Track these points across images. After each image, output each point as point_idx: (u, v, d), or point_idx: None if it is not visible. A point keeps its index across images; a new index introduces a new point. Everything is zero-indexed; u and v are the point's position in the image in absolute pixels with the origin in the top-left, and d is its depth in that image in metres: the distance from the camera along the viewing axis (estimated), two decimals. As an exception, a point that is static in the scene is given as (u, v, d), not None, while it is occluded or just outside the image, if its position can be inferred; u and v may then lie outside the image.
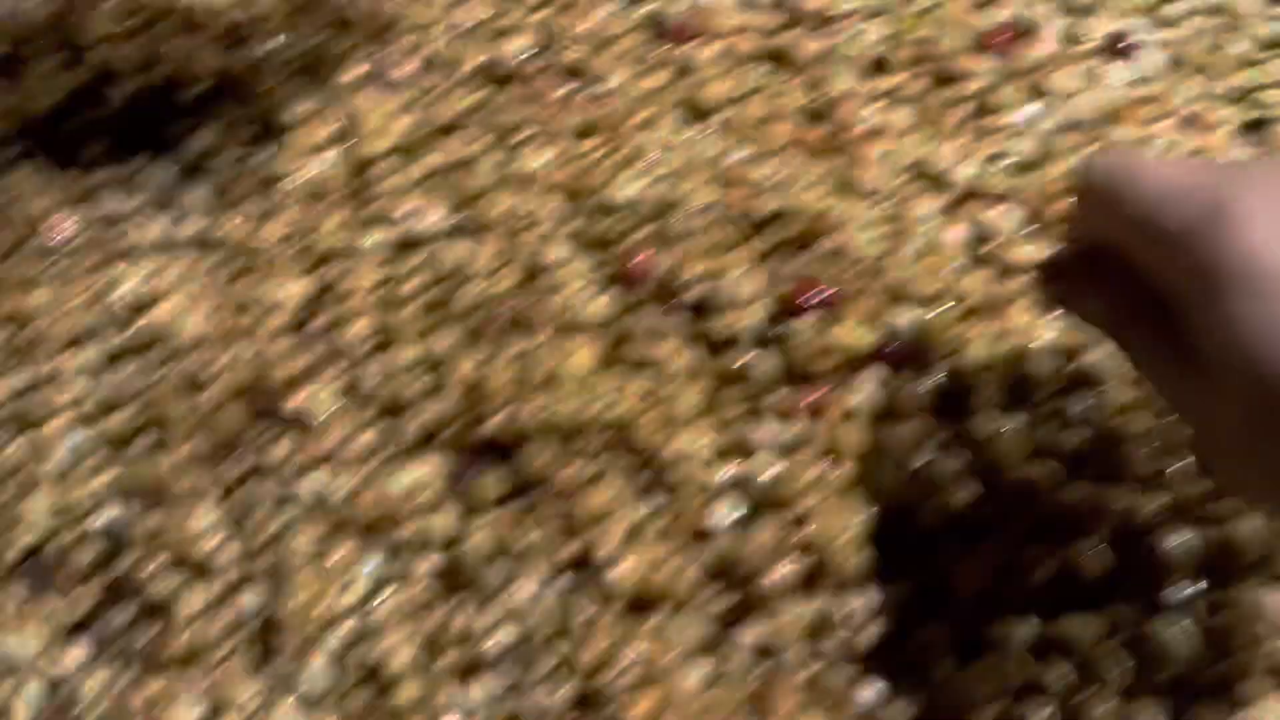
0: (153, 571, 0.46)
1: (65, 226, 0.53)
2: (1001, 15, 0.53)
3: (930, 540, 0.41)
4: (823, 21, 0.54)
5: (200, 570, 0.46)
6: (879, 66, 0.52)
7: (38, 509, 0.49)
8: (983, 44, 0.52)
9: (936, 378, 0.43)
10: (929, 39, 0.52)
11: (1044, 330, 0.43)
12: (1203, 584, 0.39)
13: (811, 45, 0.53)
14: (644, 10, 0.55)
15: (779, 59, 0.53)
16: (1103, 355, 0.42)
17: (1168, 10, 0.53)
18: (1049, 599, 0.40)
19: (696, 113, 0.52)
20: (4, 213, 0.53)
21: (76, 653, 0.47)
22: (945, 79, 0.51)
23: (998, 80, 0.51)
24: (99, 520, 0.49)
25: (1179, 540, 0.40)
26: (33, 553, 0.50)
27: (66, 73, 0.53)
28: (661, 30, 0.54)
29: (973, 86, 0.50)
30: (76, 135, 0.54)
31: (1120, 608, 0.39)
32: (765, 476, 0.42)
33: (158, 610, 0.47)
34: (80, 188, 0.54)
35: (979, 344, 0.43)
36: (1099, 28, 0.52)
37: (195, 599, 0.45)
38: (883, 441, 0.42)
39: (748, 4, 0.56)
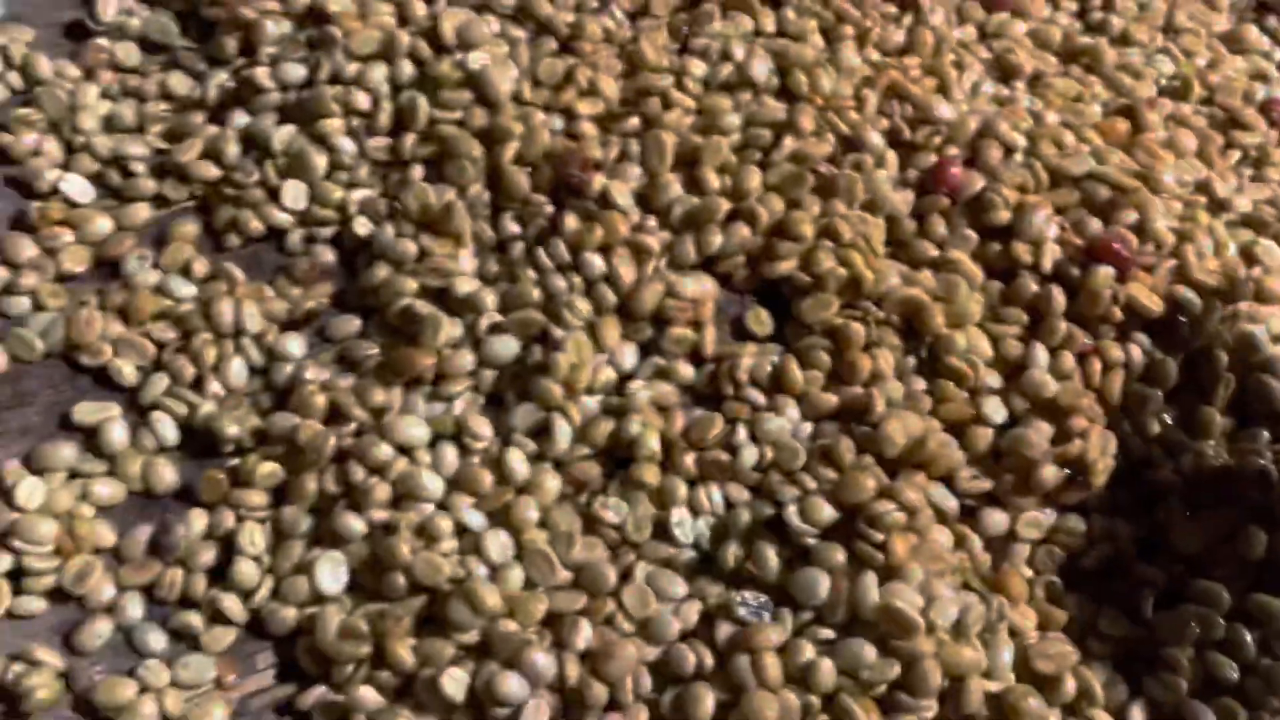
0: (407, 293, 0.46)
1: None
2: (1276, 90, 0.58)
3: (1161, 495, 0.44)
4: (1123, 41, 0.59)
5: (457, 306, 0.46)
6: (1172, 92, 0.56)
7: (293, 194, 0.49)
8: (1261, 109, 0.57)
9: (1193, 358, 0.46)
10: (1216, 85, 0.57)
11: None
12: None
13: (1113, 54, 0.57)
14: (973, -28, 0.58)
15: (1081, 55, 0.57)
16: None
17: None
18: (1253, 576, 0.43)
19: (1006, 73, 0.55)
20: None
21: (298, 341, 0.47)
22: (1227, 124, 0.55)
23: (1269, 142, 0.56)
24: (356, 228, 0.48)
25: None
26: (274, 235, 0.49)
27: None
28: (985, -3, 0.58)
29: (1249, 139, 0.55)
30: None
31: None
32: (1040, 391, 0.44)
33: (397, 330, 0.46)
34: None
35: (1235, 342, 0.47)
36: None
37: (447, 329, 0.45)
38: (1139, 397, 0.45)
39: (1054, 4, 0.60)
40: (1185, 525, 0.43)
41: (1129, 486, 0.44)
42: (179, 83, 0.51)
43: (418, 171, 0.49)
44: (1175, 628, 0.41)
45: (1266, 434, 0.45)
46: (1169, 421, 0.45)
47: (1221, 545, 0.43)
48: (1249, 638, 0.41)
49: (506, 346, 0.45)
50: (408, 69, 0.50)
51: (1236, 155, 0.54)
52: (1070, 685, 0.39)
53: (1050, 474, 0.42)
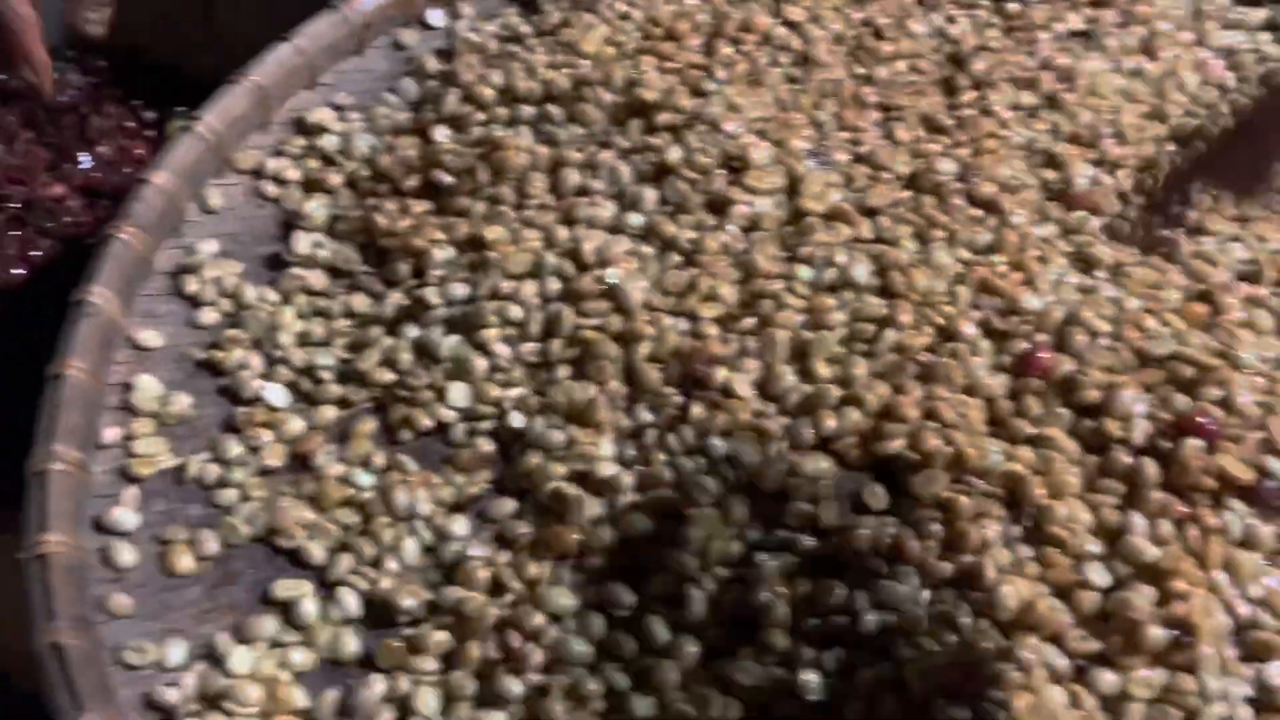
0: (556, 476, 0.52)
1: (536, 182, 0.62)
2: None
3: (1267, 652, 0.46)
4: (1196, 231, 0.64)
5: (598, 486, 0.52)
6: (1247, 276, 0.61)
7: (457, 394, 0.56)
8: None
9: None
10: (1288, 270, 0.61)
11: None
12: None
13: (1188, 245, 0.62)
14: (1047, 175, 0.65)
15: (1158, 246, 0.62)
16: None
17: None
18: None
19: (1087, 264, 0.60)
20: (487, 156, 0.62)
21: (462, 523, 0.53)
22: (1304, 303, 0.59)
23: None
24: (511, 421, 0.55)
25: None
26: (440, 430, 0.56)
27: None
28: (1060, 194, 0.64)
29: (1328, 317, 0.59)
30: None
31: None
32: (1140, 555, 0.48)
33: (547, 510, 0.52)
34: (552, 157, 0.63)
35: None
36: None
37: (590, 508, 0.51)
38: (1237, 560, 0.48)
39: (1124, 199, 0.66)
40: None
41: (1236, 646, 0.46)
42: (360, 302, 0.60)
43: (564, 371, 0.56)
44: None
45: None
46: (1268, 584, 0.47)
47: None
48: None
49: (640, 522, 0.50)
50: (554, 284, 0.57)
51: (1315, 332, 0.57)
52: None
53: (1156, 635, 0.44)
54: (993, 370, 0.54)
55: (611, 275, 0.57)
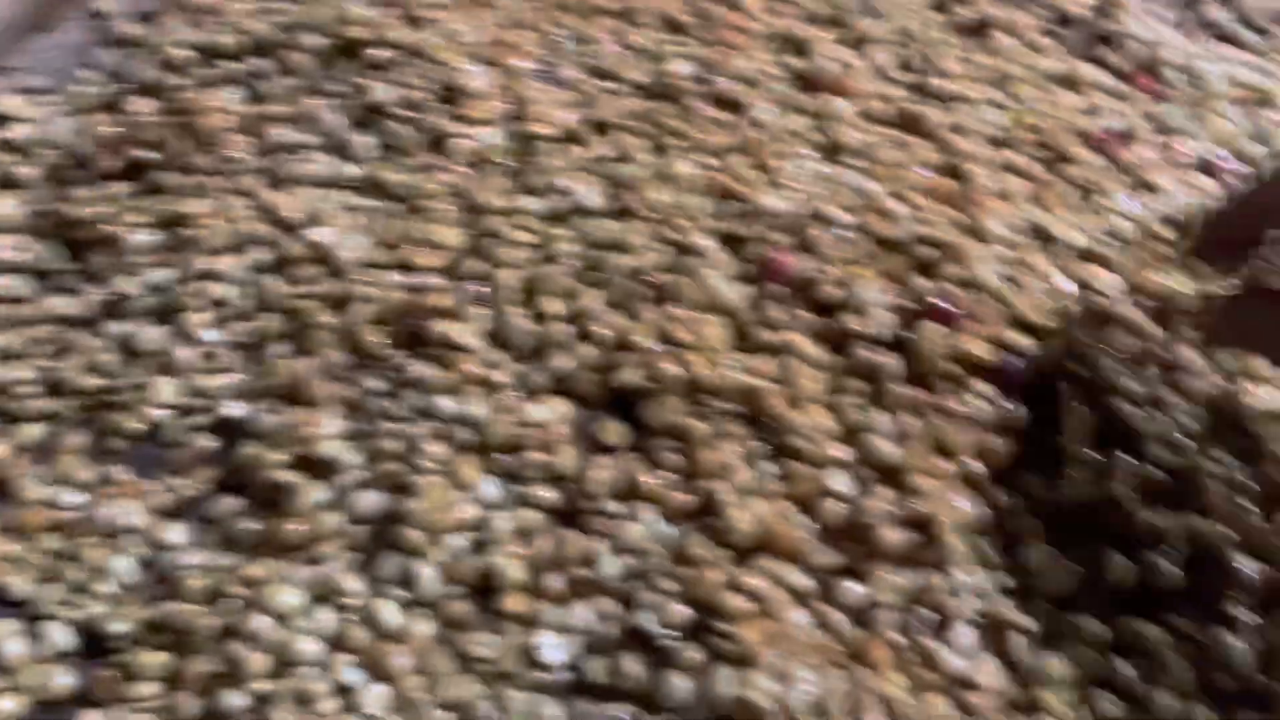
0: (272, 465, 0.48)
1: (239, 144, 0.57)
2: (1103, 121, 0.60)
3: (1020, 537, 0.45)
4: (948, 99, 0.61)
5: (322, 469, 0.48)
6: (999, 142, 0.58)
7: (166, 391, 0.51)
8: (1089, 142, 0.58)
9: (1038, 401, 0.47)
10: (1043, 129, 0.59)
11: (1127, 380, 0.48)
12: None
13: (938, 115, 0.59)
14: (794, 63, 0.61)
15: (910, 123, 0.60)
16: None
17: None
18: (1125, 604, 0.43)
19: (834, 151, 0.57)
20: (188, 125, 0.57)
21: (179, 530, 0.49)
22: (1058, 161, 0.57)
23: (1102, 172, 0.57)
24: (225, 411, 0.51)
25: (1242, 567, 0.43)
26: (153, 432, 0.52)
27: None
28: (807, 83, 0.61)
29: (1082, 173, 0.57)
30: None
31: (1186, 620, 0.42)
32: (882, 457, 0.45)
33: (270, 502, 0.48)
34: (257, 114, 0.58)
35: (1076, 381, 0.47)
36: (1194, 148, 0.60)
37: (313, 494, 0.47)
38: (986, 446, 0.46)
39: (882, 75, 0.63)
40: (1050, 565, 0.43)
41: (989, 535, 0.44)
42: (60, 304, 0.54)
43: (279, 348, 0.51)
44: (1052, 671, 0.41)
45: (1123, 459, 0.46)
46: (1023, 464, 0.45)
47: (1089, 580, 0.43)
48: (1130, 670, 0.41)
49: (369, 501, 0.47)
50: (261, 255, 0.53)
51: (1071, 191, 0.55)
52: (941, 754, 0.39)
53: (894, 537, 0.42)
54: (733, 282, 0.51)
55: (320, 235, 0.52)
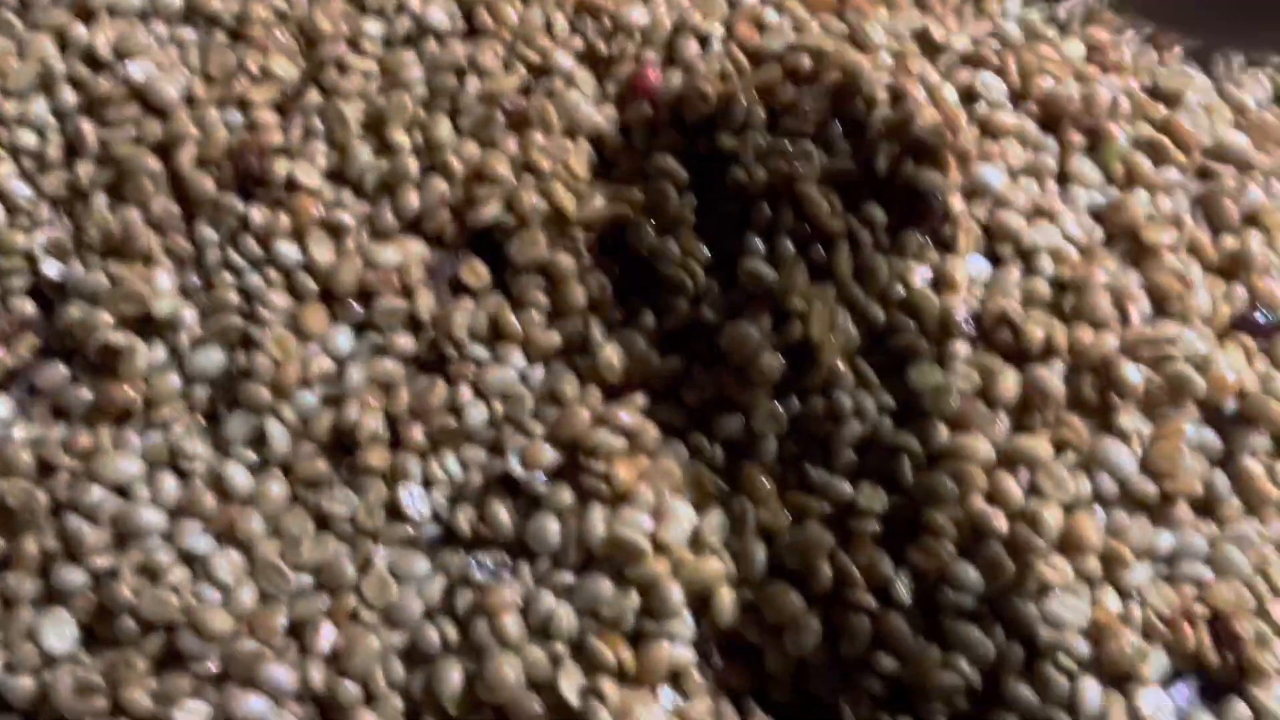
0: (101, 326, 0.44)
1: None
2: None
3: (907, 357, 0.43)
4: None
5: (156, 327, 0.44)
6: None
7: (-22, 253, 0.46)
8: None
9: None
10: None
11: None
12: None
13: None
14: None
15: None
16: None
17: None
18: (1013, 421, 0.42)
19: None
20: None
21: (2, 403, 0.45)
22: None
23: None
24: (44, 272, 0.46)
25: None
26: (-34, 300, 0.47)
27: None
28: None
29: (970, -24, 0.53)
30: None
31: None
32: (755, 277, 0.43)
33: (101, 367, 0.44)
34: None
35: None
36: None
37: (148, 355, 0.43)
38: (868, 266, 0.44)
39: None
40: (934, 385, 0.42)
41: (868, 355, 0.42)
42: None
43: (99, 199, 0.46)
44: (935, 490, 0.40)
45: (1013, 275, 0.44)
46: (902, 282, 0.43)
47: (973, 397, 0.41)
48: (1014, 484, 0.40)
49: (210, 359, 0.43)
50: (70, 95, 0.47)
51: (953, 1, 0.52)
52: (826, 572, 0.38)
53: (771, 362, 0.40)
54: (597, 104, 0.47)
55: (137, 71, 0.47)
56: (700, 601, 0.37)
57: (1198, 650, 0.39)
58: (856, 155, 0.44)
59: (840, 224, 0.43)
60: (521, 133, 0.46)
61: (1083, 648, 0.38)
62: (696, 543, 0.38)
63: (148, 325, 0.44)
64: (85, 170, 0.46)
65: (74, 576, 0.39)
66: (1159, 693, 0.39)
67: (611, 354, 0.40)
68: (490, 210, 0.44)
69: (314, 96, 0.47)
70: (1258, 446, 0.41)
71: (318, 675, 0.37)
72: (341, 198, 0.46)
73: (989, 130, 0.47)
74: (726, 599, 0.37)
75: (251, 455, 0.41)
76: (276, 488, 0.41)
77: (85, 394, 0.43)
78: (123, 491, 0.41)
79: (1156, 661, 0.39)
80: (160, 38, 0.49)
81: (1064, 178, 0.48)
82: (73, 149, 0.47)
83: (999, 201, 0.46)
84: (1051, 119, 0.47)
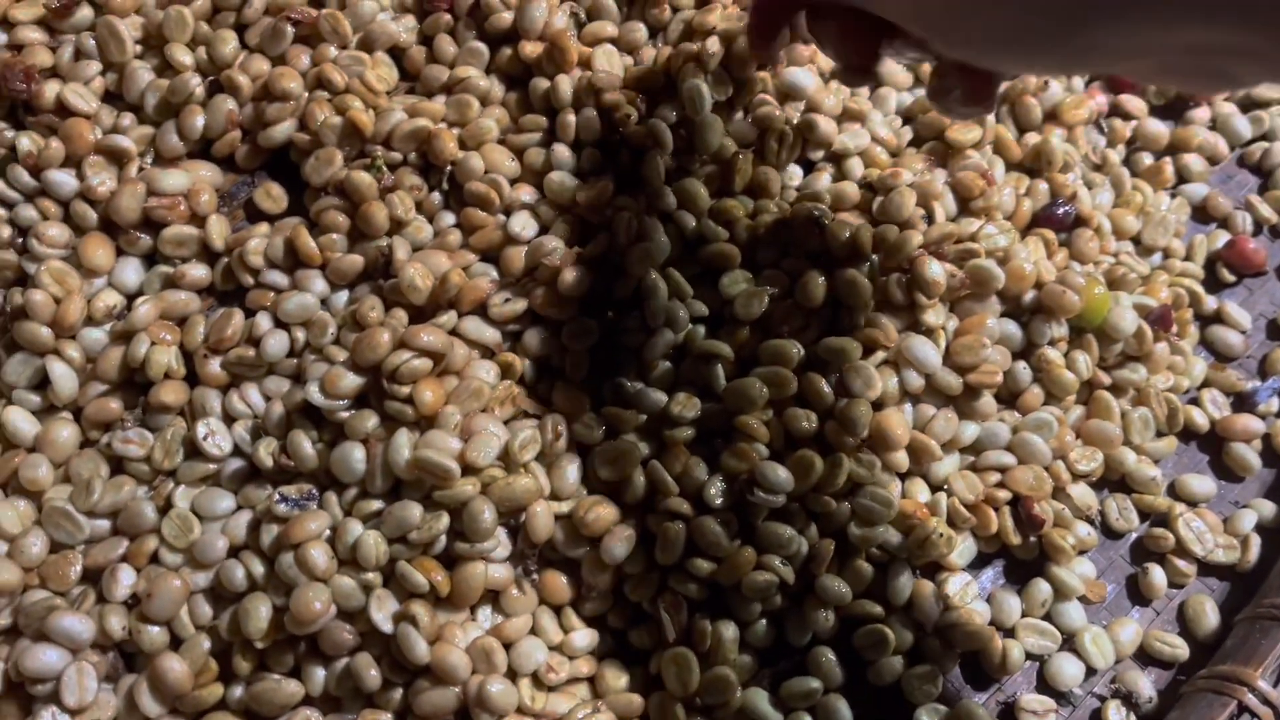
0: None
1: None
2: None
3: (719, 267, 0.43)
4: None
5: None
6: None
7: None
8: None
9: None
10: None
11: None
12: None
13: None
14: None
15: None
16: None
17: None
18: (821, 324, 0.43)
19: None
20: None
21: None
22: None
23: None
24: None
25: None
26: None
27: None
28: None
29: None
30: None
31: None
32: (558, 191, 0.42)
33: None
34: None
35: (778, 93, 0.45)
36: None
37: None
38: (681, 177, 0.44)
39: None
40: (744, 291, 0.42)
41: (683, 265, 0.42)
42: None
43: None
44: (746, 394, 0.40)
45: (823, 179, 0.45)
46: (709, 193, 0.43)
47: (783, 301, 0.42)
48: (824, 385, 0.41)
49: (-18, 294, 0.40)
50: None
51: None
52: (639, 482, 0.38)
53: (580, 276, 0.39)
54: (396, 14, 0.45)
55: (-120, -11, 0.43)
56: (515, 519, 0.37)
57: (1001, 534, 0.41)
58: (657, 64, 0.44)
59: (645, 132, 0.42)
60: (315, 47, 0.44)
61: (893, 538, 0.40)
62: (508, 461, 0.37)
63: (-89, 266, 0.41)
64: None
65: None
66: (965, 577, 0.40)
67: (418, 273, 0.39)
68: (284, 127, 0.42)
69: (85, 12, 0.44)
70: (1056, 335, 0.43)
71: (117, 623, 0.36)
72: (120, 122, 0.43)
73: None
74: (542, 515, 0.37)
75: (35, 399, 0.39)
76: (65, 432, 0.39)
77: None
78: (-107, 444, 0.39)
79: (964, 548, 0.41)
80: (-93, -49, 0.45)
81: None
82: None
83: (811, 106, 0.46)
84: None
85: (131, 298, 0.41)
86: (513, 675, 0.36)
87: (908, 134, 0.47)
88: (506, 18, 0.44)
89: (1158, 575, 0.42)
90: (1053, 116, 0.48)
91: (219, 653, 0.37)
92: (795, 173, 0.45)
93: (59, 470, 0.39)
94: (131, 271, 0.41)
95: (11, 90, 0.42)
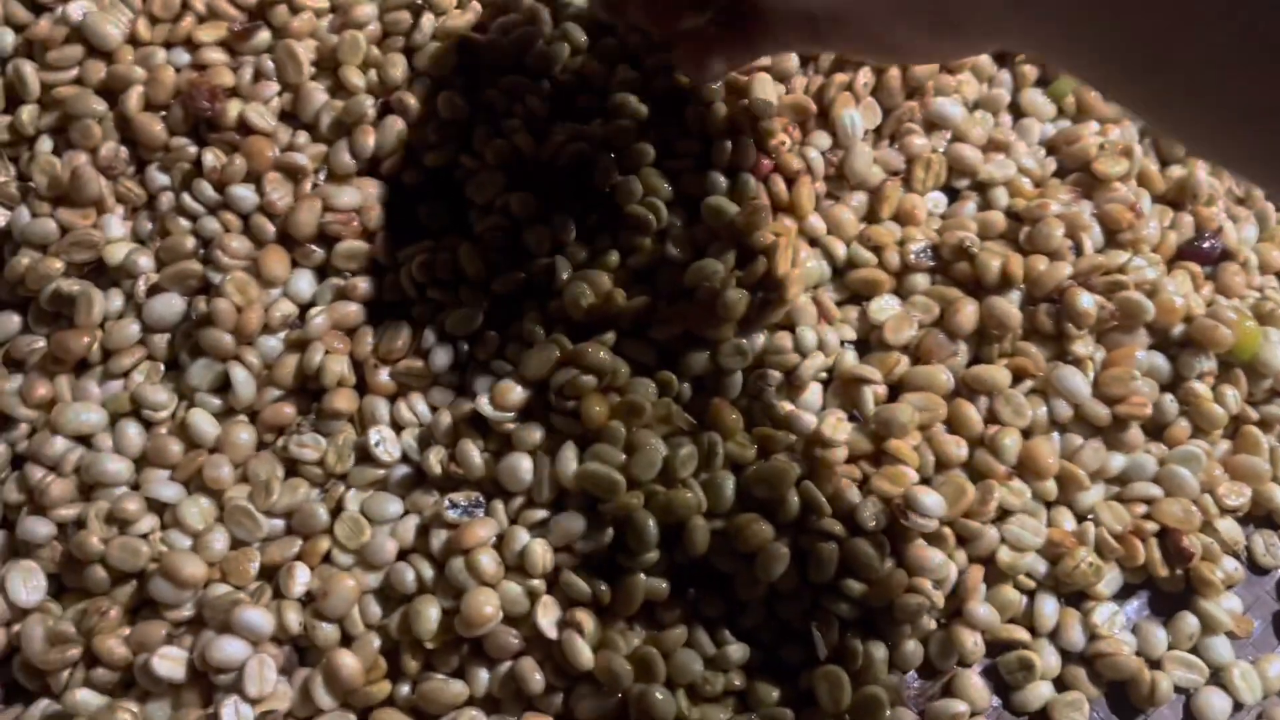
0: (54, 275, 0.43)
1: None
2: None
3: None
4: None
5: (111, 275, 0.44)
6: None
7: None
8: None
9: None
10: None
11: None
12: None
13: None
14: None
15: None
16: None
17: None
18: (969, 355, 0.43)
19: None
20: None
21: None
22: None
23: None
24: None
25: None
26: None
27: None
28: None
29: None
30: None
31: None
32: (716, 214, 0.43)
33: (56, 316, 0.43)
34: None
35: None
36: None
37: (104, 303, 0.43)
38: (833, 214, 0.45)
39: None
40: (894, 317, 0.43)
41: (833, 290, 0.43)
42: None
43: (46, 144, 0.45)
44: (897, 419, 0.41)
45: (967, 208, 0.45)
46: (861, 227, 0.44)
47: (932, 327, 0.42)
48: (974, 412, 0.41)
49: (169, 306, 0.42)
50: (8, 38, 0.46)
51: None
52: (793, 502, 0.39)
53: (737, 299, 0.40)
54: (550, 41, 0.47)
55: (76, 10, 0.45)
56: (673, 533, 0.38)
57: (1148, 565, 0.41)
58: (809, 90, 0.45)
59: (799, 160, 0.43)
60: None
61: (1040, 567, 0.40)
62: (667, 477, 0.38)
63: (101, 272, 0.43)
64: (28, 115, 0.45)
65: (40, 528, 0.39)
66: (1112, 607, 0.40)
67: (579, 293, 0.40)
68: (447, 150, 0.44)
69: (264, 35, 0.46)
70: (1204, 369, 0.43)
71: (294, 618, 0.38)
72: (296, 140, 0.45)
73: (945, 65, 0.47)
74: (700, 530, 0.38)
75: (216, 402, 0.41)
76: (244, 434, 0.41)
77: (39, 344, 0.43)
78: (85, 441, 0.41)
79: (1109, 577, 0.41)
80: (100, -24, 0.47)
81: (1017, 110, 0.49)
82: (14, 93, 0.45)
83: (957, 135, 0.46)
84: (1003, 52, 0.48)
85: (304, 308, 0.43)
86: (670, 685, 0.37)
87: (1052, 165, 0.47)
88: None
89: (1306, 613, 0.42)
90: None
91: (388, 651, 0.38)
92: (940, 200, 0.46)
93: (238, 470, 0.40)
94: (305, 283, 0.43)
95: (197, 108, 0.44)
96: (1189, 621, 0.41)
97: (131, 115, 0.45)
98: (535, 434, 0.39)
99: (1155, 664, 0.40)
